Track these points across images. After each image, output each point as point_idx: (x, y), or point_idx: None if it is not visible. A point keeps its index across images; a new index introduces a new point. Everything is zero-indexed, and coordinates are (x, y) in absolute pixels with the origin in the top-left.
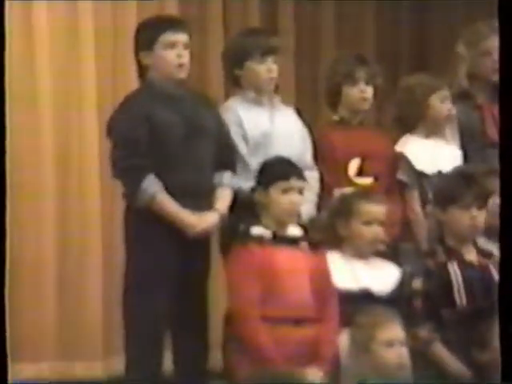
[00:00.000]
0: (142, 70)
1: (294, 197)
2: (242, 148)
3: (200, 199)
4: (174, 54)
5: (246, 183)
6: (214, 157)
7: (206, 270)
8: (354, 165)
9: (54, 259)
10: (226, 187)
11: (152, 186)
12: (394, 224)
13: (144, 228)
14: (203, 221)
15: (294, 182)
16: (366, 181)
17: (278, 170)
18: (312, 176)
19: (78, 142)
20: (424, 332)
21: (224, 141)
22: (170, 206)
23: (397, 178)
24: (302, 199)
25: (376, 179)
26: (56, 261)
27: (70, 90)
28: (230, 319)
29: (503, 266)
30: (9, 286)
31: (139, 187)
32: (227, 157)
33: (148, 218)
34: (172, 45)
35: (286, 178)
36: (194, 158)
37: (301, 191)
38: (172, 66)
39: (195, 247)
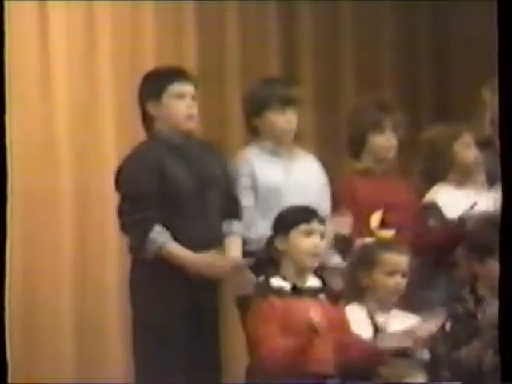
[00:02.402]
0: (148, 121)
1: (316, 240)
2: (248, 200)
3: (211, 250)
4: (183, 104)
5: (251, 235)
6: (222, 206)
7: (215, 318)
8: (376, 217)
9: (74, 296)
10: (236, 235)
11: (161, 235)
12: None
13: (151, 283)
14: (213, 264)
15: (316, 226)
16: (388, 233)
17: (299, 214)
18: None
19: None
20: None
21: (231, 191)
22: (182, 252)
23: (427, 226)
24: (323, 244)
25: (398, 231)
26: (75, 297)
27: (88, 129)
28: (251, 374)
29: (503, 266)
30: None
31: (147, 238)
32: (235, 206)
33: (154, 271)
34: (181, 95)
35: (308, 221)
36: (204, 209)
37: (322, 236)
38: (181, 117)
39: (205, 296)
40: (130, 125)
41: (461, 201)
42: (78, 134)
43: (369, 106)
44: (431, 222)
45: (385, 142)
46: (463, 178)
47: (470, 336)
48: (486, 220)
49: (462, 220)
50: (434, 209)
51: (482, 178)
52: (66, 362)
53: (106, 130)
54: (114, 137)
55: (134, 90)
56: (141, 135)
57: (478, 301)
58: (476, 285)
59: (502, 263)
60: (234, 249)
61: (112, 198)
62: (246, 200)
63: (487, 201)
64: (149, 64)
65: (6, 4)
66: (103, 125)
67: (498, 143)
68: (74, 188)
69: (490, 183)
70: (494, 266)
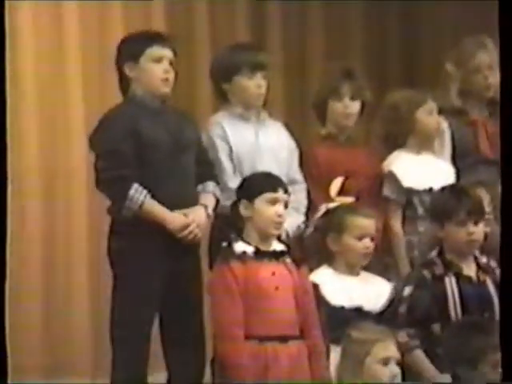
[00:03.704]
0: (125, 83)
1: (280, 209)
2: (226, 163)
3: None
4: (161, 68)
5: (226, 201)
6: (197, 172)
7: (197, 281)
8: (336, 184)
9: (40, 276)
10: (210, 193)
11: (139, 193)
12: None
13: (130, 241)
14: (190, 216)
15: (281, 195)
16: (348, 200)
17: (264, 182)
18: (300, 189)
19: (64, 155)
20: (403, 337)
21: (205, 156)
22: (159, 209)
23: (382, 195)
24: (286, 213)
25: (357, 198)
26: (43, 277)
27: (56, 108)
28: (214, 338)
29: (504, 269)
30: None
31: (126, 196)
32: (209, 171)
33: (134, 230)
34: (159, 59)
35: (274, 189)
36: (179, 171)
37: (286, 205)
38: (157, 80)
39: (185, 257)
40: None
41: (420, 167)
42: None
43: (330, 71)
44: (386, 192)
45: (343, 109)
46: (423, 144)
47: (438, 303)
48: (444, 187)
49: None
50: (389, 177)
51: (443, 145)
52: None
53: (76, 144)
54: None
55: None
56: None
57: (447, 265)
58: (443, 249)
59: (502, 263)
60: (206, 200)
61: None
62: (222, 163)
63: (446, 169)
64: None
65: (7, 4)
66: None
67: (467, 113)
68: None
69: (455, 151)
70: (453, 230)
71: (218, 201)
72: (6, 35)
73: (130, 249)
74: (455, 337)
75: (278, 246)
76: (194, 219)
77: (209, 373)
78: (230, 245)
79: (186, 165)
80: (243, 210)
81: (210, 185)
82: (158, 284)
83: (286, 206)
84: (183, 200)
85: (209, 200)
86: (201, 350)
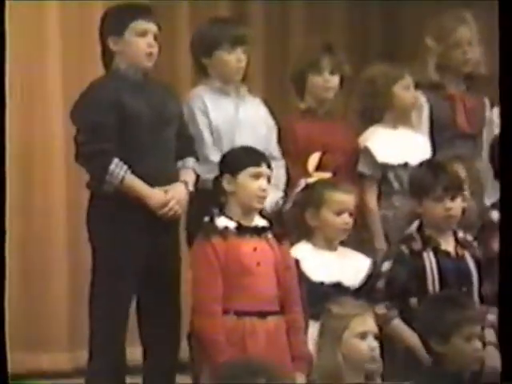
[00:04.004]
0: (108, 57)
1: (263, 183)
2: (206, 136)
3: (166, 186)
4: (145, 42)
5: (207, 175)
6: (177, 146)
7: (176, 257)
8: (313, 159)
9: (17, 250)
10: (190, 169)
11: (119, 168)
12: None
13: (110, 216)
14: (170, 193)
15: (264, 169)
16: (325, 175)
17: (247, 157)
18: (278, 166)
19: (42, 133)
20: (382, 309)
21: (186, 131)
22: (139, 185)
23: (357, 171)
24: (269, 188)
25: (334, 174)
26: (20, 251)
27: (34, 79)
28: (192, 313)
29: (503, 266)
30: None
31: (107, 171)
32: (189, 145)
33: (114, 205)
34: (143, 33)
35: (257, 164)
36: (161, 146)
37: (269, 179)
38: (141, 54)
39: (165, 234)
40: None
41: (397, 142)
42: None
43: (310, 46)
44: (361, 167)
45: (322, 82)
46: (400, 119)
47: (416, 277)
48: (421, 162)
49: None
50: (364, 153)
51: (420, 119)
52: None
53: (54, 120)
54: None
55: (82, 78)
56: None
57: (425, 240)
58: (422, 224)
59: (502, 263)
60: (186, 176)
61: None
62: (202, 136)
63: (422, 144)
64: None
65: (7, 4)
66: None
67: (445, 87)
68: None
69: (432, 125)
70: (430, 206)
71: (197, 177)
72: (7, 35)
73: (109, 223)
74: (429, 310)
75: (260, 222)
76: (174, 196)
77: (186, 347)
78: (211, 220)
79: (167, 139)
80: (226, 184)
81: (190, 160)
82: (137, 259)
83: (268, 181)
84: (164, 175)
85: (189, 176)
86: (176, 325)
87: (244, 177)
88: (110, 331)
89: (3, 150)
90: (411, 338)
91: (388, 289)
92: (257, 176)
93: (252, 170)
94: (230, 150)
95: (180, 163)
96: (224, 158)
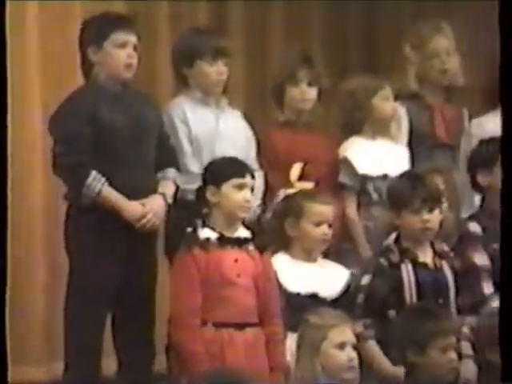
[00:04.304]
0: (87, 67)
1: (247, 194)
2: (186, 147)
3: (146, 198)
4: (124, 53)
5: (187, 185)
6: (157, 157)
7: (152, 269)
8: (295, 170)
9: None
10: (170, 181)
11: (97, 181)
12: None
13: (88, 228)
14: (148, 206)
15: (248, 180)
16: (307, 185)
17: (231, 168)
18: (257, 176)
19: (21, 144)
20: (359, 328)
21: (167, 141)
22: (116, 198)
23: (338, 181)
24: (253, 198)
25: (317, 184)
26: None
27: (13, 89)
28: (170, 325)
29: (504, 267)
30: None
31: (84, 184)
32: (170, 156)
33: (92, 217)
34: (123, 44)
35: (241, 175)
36: (140, 157)
37: (252, 189)
38: (121, 66)
39: (142, 248)
40: None
41: (376, 153)
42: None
43: (288, 58)
44: (341, 178)
45: (299, 94)
46: (379, 130)
47: (394, 290)
48: (401, 174)
49: None
50: (344, 164)
51: (399, 130)
52: None
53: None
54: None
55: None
56: None
57: (403, 252)
58: (400, 236)
59: (502, 263)
60: (165, 188)
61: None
62: (182, 146)
63: (401, 155)
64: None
65: (8, 4)
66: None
67: (423, 97)
68: None
69: (411, 136)
70: (408, 218)
71: (177, 188)
72: (7, 35)
73: (86, 235)
74: (406, 321)
75: (242, 233)
76: (152, 208)
77: (164, 359)
78: (194, 231)
79: (146, 151)
80: (210, 195)
81: (171, 171)
82: (113, 270)
83: (251, 191)
84: (143, 187)
85: (168, 188)
86: (150, 338)
87: (228, 188)
88: (85, 343)
89: (4, 151)
90: (382, 362)
91: (367, 304)
92: (241, 187)
93: (236, 181)
94: (214, 161)
95: (160, 174)
96: (207, 168)
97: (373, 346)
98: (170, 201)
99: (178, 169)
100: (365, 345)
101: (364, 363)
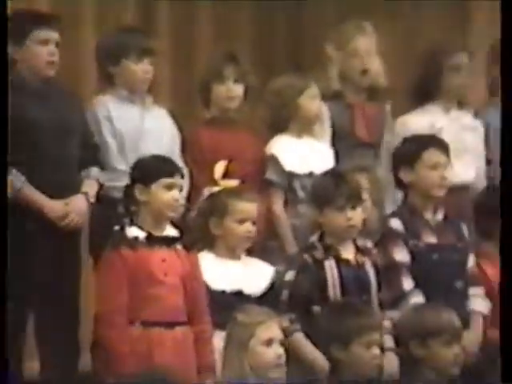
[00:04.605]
0: (9, 62)
1: (176, 193)
2: (111, 144)
3: (69, 196)
4: (46, 51)
5: (112, 183)
6: (81, 155)
7: (76, 270)
8: (219, 168)
9: None
10: (93, 180)
11: (17, 180)
12: (258, 223)
13: (11, 224)
14: (71, 205)
15: (177, 180)
16: (232, 183)
17: (160, 167)
18: None
19: None
20: (285, 322)
21: (90, 139)
22: (37, 197)
23: (265, 178)
24: (182, 197)
25: (243, 181)
26: None
27: None
28: (95, 324)
29: (504, 268)
30: None
31: (4, 182)
32: (93, 154)
33: (14, 215)
34: (45, 41)
35: (170, 174)
36: (63, 155)
37: (181, 189)
38: (42, 63)
39: (65, 247)
40: None
41: (301, 151)
42: None
43: (214, 56)
44: (268, 175)
45: (225, 92)
46: (304, 129)
47: (318, 286)
48: (324, 172)
49: None
50: (271, 161)
51: (323, 129)
52: None
53: None
54: None
55: None
56: None
57: (327, 249)
58: (323, 233)
59: (502, 262)
60: (87, 188)
61: None
62: (107, 144)
63: (326, 153)
64: None
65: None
66: None
67: (345, 96)
68: None
69: (334, 134)
70: (331, 216)
71: (101, 186)
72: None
73: (10, 232)
74: (330, 317)
75: (170, 232)
76: (75, 208)
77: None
78: (122, 229)
79: (69, 149)
80: (138, 194)
81: (93, 170)
82: (37, 269)
83: (180, 190)
84: (66, 186)
85: (90, 187)
86: (74, 338)
87: (157, 187)
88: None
89: (5, 153)
90: (310, 352)
91: (292, 300)
92: (170, 187)
93: (165, 180)
94: (143, 159)
95: (84, 173)
96: (136, 166)
97: (300, 338)
98: (92, 200)
99: (102, 167)
100: (292, 338)
101: (292, 357)
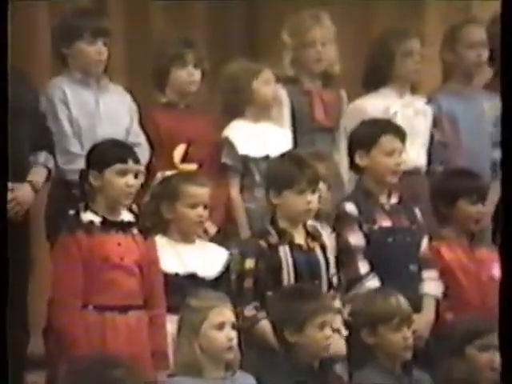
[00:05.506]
0: None
1: (130, 179)
2: (66, 127)
3: (18, 180)
4: None
5: (67, 166)
6: (31, 138)
7: (25, 255)
8: (178, 151)
9: None
10: (41, 166)
11: None
12: (218, 208)
13: None
14: (14, 193)
15: (131, 165)
16: (190, 167)
17: (114, 153)
18: (141, 151)
19: None
20: (250, 311)
21: (42, 122)
22: None
23: (221, 162)
24: (138, 183)
25: (200, 165)
26: None
27: None
28: (49, 308)
29: (504, 266)
30: None
31: None
32: (44, 138)
33: None
34: None
35: (123, 160)
36: (13, 138)
37: (137, 175)
38: None
39: (14, 233)
40: None
41: (258, 135)
42: None
43: (173, 40)
44: (224, 158)
45: (186, 75)
46: (260, 113)
47: (273, 272)
48: (282, 154)
49: None
50: (226, 145)
51: (280, 113)
52: None
53: None
54: None
55: None
56: None
57: (280, 234)
58: (275, 217)
59: (502, 262)
60: (33, 176)
61: None
62: (62, 127)
63: (284, 137)
64: None
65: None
66: None
67: (301, 82)
68: None
69: (293, 119)
70: (291, 198)
71: (49, 171)
72: (8, 35)
73: None
74: (283, 301)
75: (126, 216)
76: (17, 197)
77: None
78: (77, 214)
79: (21, 131)
80: (92, 179)
81: (42, 156)
82: None
83: (136, 176)
84: (15, 169)
85: (38, 175)
86: (24, 322)
87: (110, 174)
88: None
89: (5, 152)
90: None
91: (256, 287)
92: (124, 173)
93: (118, 166)
94: (97, 145)
95: (32, 158)
96: (90, 152)
97: (267, 326)
98: (39, 188)
99: (51, 152)
100: (258, 326)
101: (259, 344)
